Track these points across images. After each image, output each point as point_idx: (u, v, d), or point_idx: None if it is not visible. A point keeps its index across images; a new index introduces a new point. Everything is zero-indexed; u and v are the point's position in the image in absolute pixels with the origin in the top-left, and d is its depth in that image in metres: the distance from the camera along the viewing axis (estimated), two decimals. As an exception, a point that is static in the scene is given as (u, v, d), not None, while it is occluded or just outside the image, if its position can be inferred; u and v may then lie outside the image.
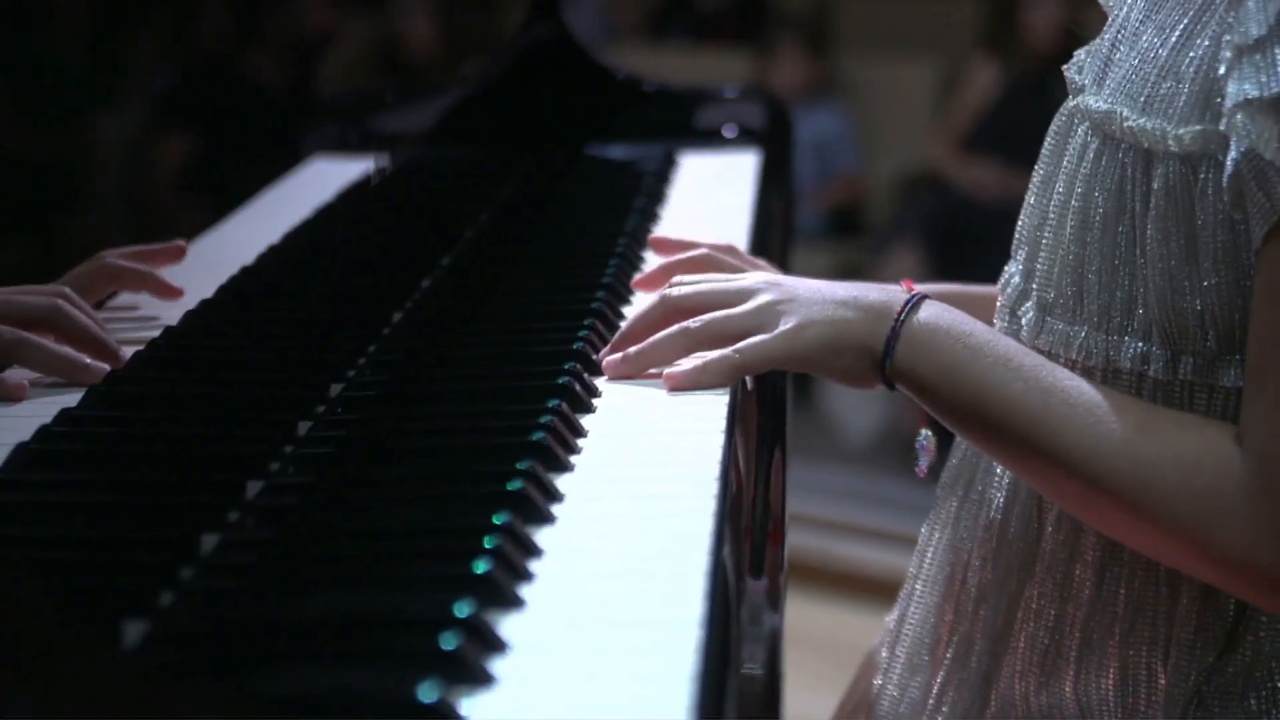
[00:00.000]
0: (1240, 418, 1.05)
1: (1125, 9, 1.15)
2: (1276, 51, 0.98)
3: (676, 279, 1.24)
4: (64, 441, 1.11)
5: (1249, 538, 1.03)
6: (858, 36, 5.70)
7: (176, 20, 1.92)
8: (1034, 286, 1.18)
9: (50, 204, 1.64)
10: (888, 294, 1.16)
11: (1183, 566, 1.10)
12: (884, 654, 1.33)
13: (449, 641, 0.78)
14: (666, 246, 1.44)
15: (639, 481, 1.05)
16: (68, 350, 1.23)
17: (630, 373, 1.21)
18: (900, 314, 1.14)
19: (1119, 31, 1.14)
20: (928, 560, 1.29)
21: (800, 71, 5.23)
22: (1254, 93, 0.99)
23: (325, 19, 2.33)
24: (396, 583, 0.89)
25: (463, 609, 0.81)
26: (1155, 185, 1.07)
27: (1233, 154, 1.01)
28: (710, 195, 1.94)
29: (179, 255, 1.47)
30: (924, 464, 1.25)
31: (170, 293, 1.43)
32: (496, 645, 0.81)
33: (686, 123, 2.25)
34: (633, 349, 1.21)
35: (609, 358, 1.22)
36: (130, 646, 0.82)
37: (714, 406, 1.15)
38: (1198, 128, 1.05)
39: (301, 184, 2.03)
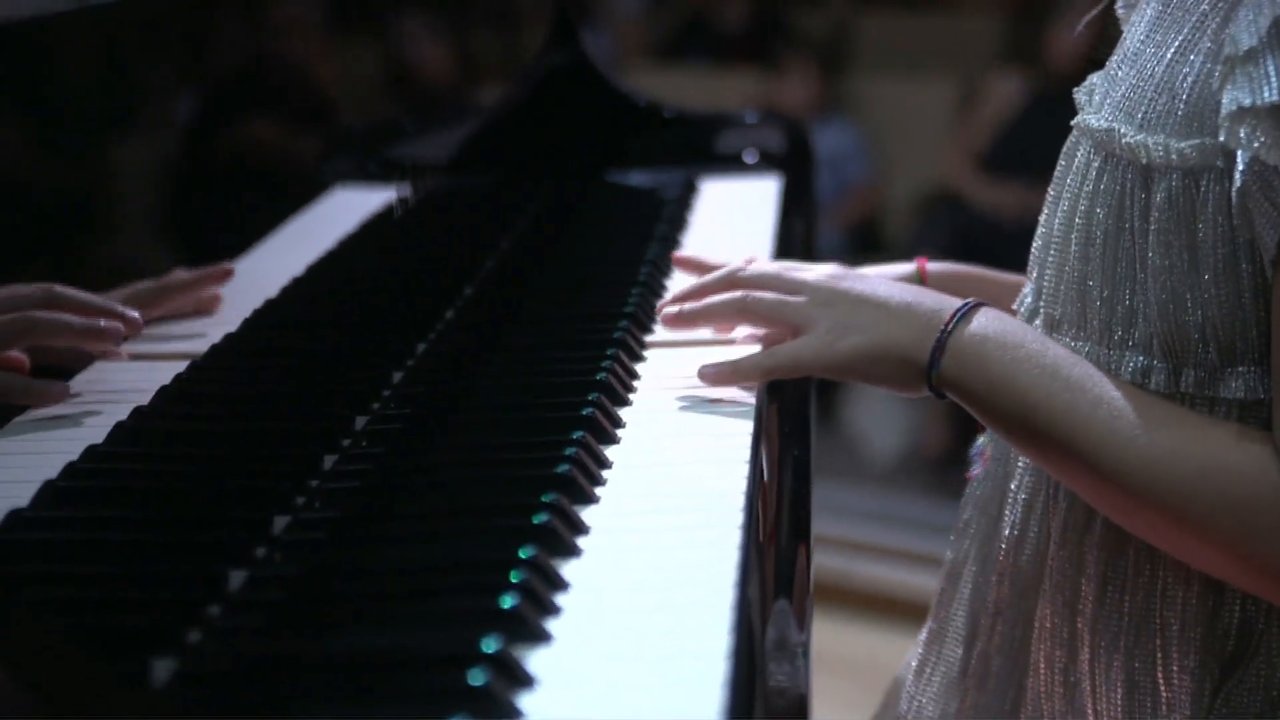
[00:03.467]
0: (1274, 427, 1.05)
1: (1131, 31, 1.16)
2: (1268, 62, 0.99)
3: (749, 262, 1.31)
4: (91, 478, 1.11)
5: None
6: (874, 55, 5.70)
7: (194, 49, 1.93)
8: (1042, 304, 1.19)
9: (67, 233, 1.65)
10: (940, 303, 1.17)
11: (1229, 577, 1.10)
12: (910, 681, 1.32)
13: (477, 677, 0.78)
14: (690, 265, 1.49)
15: (664, 512, 1.05)
16: (81, 317, 1.20)
17: (682, 325, 1.29)
18: (948, 325, 1.15)
19: (1123, 53, 1.15)
20: (954, 582, 1.29)
21: (810, 90, 5.24)
22: (1247, 101, 0.99)
23: (328, 46, 2.34)
24: (423, 618, 0.89)
25: (490, 644, 0.81)
26: (1157, 199, 1.08)
27: (1239, 167, 1.01)
28: (732, 221, 1.94)
29: (226, 277, 1.49)
30: (977, 470, 1.26)
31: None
32: (524, 680, 0.81)
33: (707, 148, 2.26)
34: (689, 305, 1.28)
35: (666, 309, 1.30)
36: (158, 684, 0.82)
37: (738, 434, 1.16)
38: (1196, 141, 1.06)
39: (323, 214, 2.03)
